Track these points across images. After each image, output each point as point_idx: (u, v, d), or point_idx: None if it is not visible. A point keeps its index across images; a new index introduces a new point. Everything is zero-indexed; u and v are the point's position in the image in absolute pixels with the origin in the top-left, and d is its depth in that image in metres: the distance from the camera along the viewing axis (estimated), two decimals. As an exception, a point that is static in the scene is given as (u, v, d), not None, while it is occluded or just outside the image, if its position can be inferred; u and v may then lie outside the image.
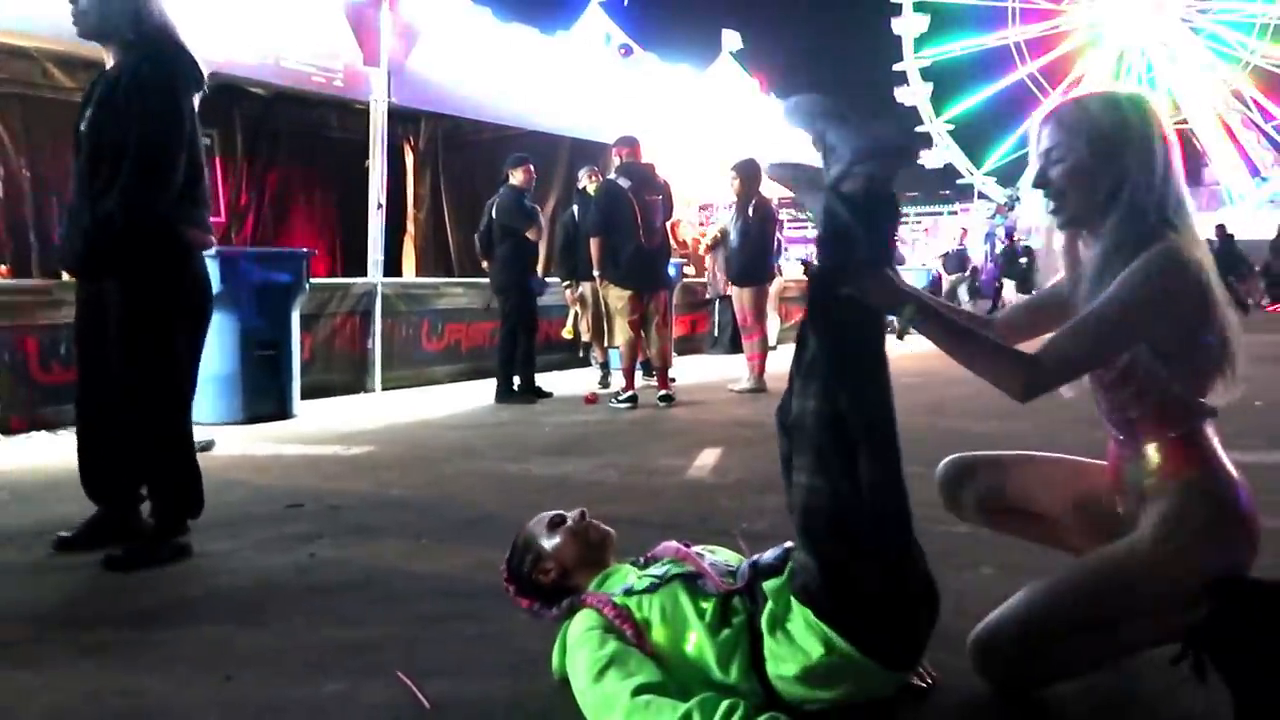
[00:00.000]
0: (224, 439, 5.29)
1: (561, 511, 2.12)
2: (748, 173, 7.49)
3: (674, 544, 2.06)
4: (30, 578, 2.82)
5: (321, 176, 11.54)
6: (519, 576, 2.08)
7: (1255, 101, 48.58)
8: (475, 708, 1.88)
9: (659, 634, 1.84)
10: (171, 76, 2.98)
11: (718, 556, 2.03)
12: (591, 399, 7.06)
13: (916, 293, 1.85)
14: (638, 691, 1.69)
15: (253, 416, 6.13)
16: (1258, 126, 49.22)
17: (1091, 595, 1.77)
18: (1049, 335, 1.79)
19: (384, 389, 7.92)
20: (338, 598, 2.59)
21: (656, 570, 1.96)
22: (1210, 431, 1.83)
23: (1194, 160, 53.05)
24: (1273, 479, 3.90)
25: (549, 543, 2.07)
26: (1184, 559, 1.73)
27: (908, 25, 46.80)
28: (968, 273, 18.12)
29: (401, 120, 10.72)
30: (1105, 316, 1.72)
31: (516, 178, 7.05)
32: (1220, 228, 19.67)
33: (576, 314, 8.35)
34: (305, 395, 6.62)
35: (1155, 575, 1.73)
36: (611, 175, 7.00)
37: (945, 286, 17.46)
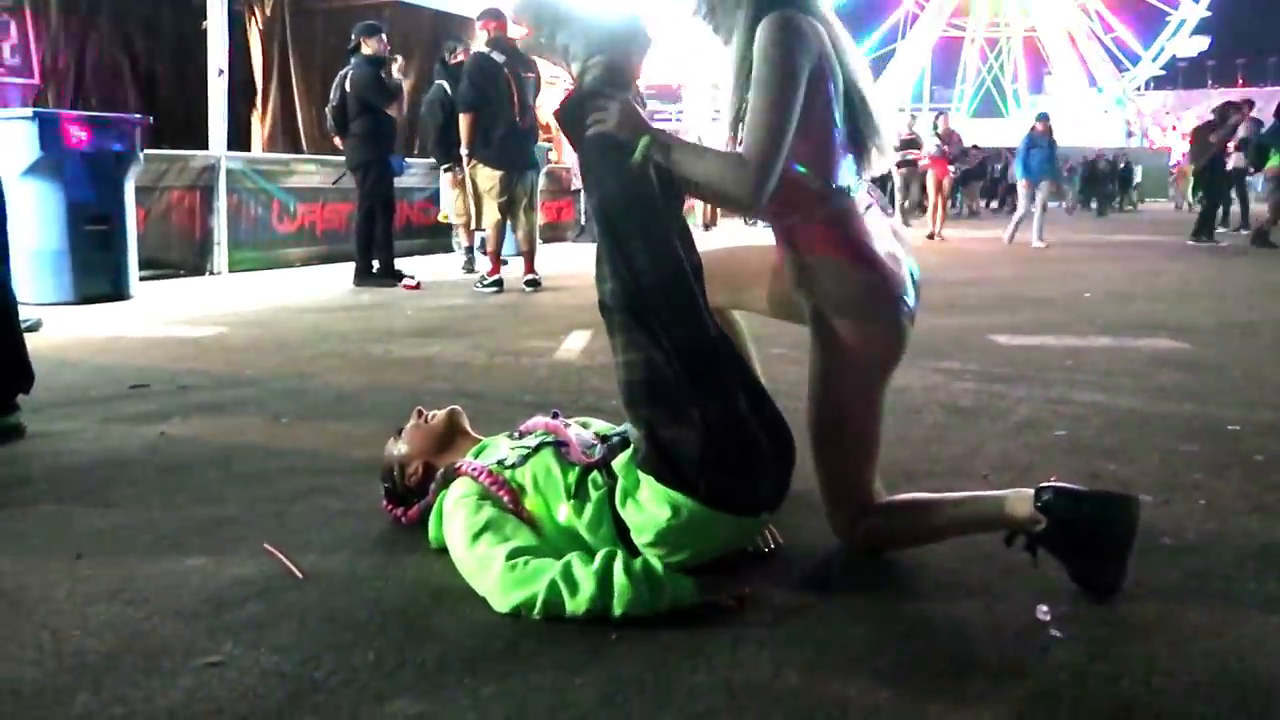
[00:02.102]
0: (54, 320, 4.92)
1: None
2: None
3: (545, 418, 2.07)
4: None
5: (151, 41, 10.57)
6: (397, 495, 2.10)
7: (1099, 14, 50.78)
8: (347, 577, 1.84)
9: (532, 502, 1.85)
10: None
11: (587, 431, 2.03)
12: (417, 285, 6.82)
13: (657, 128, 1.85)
14: (513, 554, 1.69)
15: (85, 297, 5.72)
16: (1099, 38, 51.61)
17: (833, 420, 1.89)
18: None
19: (231, 271, 7.51)
20: (194, 476, 2.47)
21: (529, 441, 1.96)
22: (858, 211, 1.85)
23: (1038, 67, 55.41)
24: (1098, 359, 4.23)
25: (400, 449, 2.11)
26: (854, 339, 1.83)
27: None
28: None
29: (241, -20, 9.89)
30: (762, 100, 1.72)
31: (370, 47, 6.64)
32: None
33: (457, 197, 7.99)
34: (140, 275, 6.19)
35: (851, 371, 1.85)
36: (483, 49, 6.66)
37: None
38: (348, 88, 6.61)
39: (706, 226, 13.73)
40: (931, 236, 12.47)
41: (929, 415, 3.15)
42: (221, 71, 7.46)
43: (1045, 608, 1.70)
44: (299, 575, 1.84)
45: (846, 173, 1.84)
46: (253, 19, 10.62)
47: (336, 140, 6.99)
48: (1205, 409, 3.26)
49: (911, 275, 1.90)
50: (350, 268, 7.11)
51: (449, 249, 9.05)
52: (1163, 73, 53.10)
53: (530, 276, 6.71)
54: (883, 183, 16.92)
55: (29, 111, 5.69)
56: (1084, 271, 8.47)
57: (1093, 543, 1.74)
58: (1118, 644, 1.61)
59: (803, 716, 1.38)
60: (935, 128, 13.56)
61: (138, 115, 6.30)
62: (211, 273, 7.46)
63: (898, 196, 15.49)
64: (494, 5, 6.78)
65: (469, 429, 2.15)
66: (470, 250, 7.92)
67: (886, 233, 1.90)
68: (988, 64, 55.54)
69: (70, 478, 2.45)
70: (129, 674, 1.47)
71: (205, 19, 7.60)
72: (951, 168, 13.37)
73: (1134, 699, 1.44)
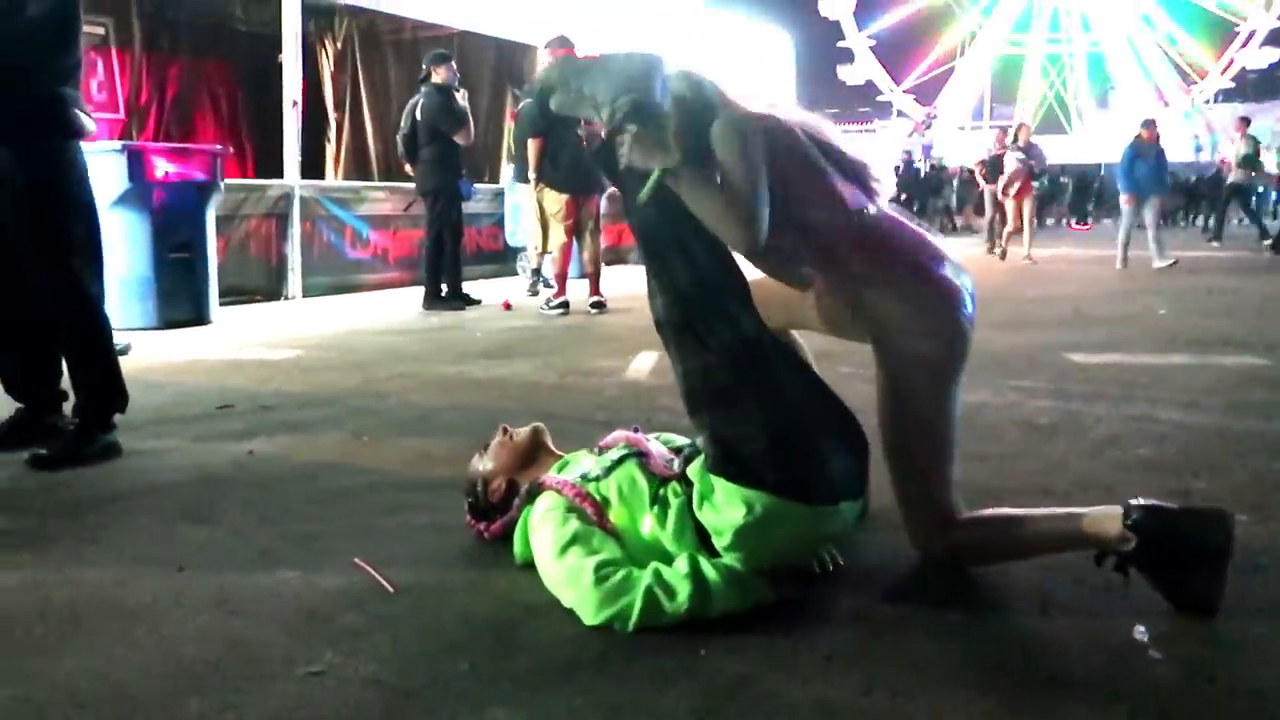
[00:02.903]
0: (140, 344, 5.09)
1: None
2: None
3: (625, 432, 2.10)
4: (-51, 477, 2.70)
5: (228, 73, 10.96)
6: (480, 510, 2.15)
7: (1164, 26, 49.74)
8: (437, 591, 1.88)
9: (617, 514, 1.88)
10: None
11: (666, 448, 2.06)
12: (508, 305, 7.00)
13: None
14: (601, 566, 1.72)
15: (168, 322, 5.90)
16: (1164, 50, 50.52)
17: (907, 432, 1.90)
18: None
19: (305, 296, 7.71)
20: (283, 492, 2.54)
21: (612, 455, 1.99)
22: (889, 227, 1.94)
23: (1102, 84, 54.39)
24: (1178, 377, 4.13)
25: (485, 465, 2.17)
26: (919, 353, 1.87)
27: (833, -64, 46.24)
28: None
29: (315, 15, 10.19)
30: (732, 162, 1.81)
31: (440, 76, 6.80)
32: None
33: None
34: (219, 301, 6.39)
35: (919, 384, 1.88)
36: None
37: None
38: (418, 115, 6.77)
39: None
40: (1003, 256, 11.83)
41: (1007, 433, 3.11)
42: (296, 103, 7.69)
43: (1142, 628, 1.66)
44: (390, 589, 1.88)
45: (859, 199, 1.92)
46: (324, 49, 10.94)
47: (408, 167, 7.15)
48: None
49: (966, 287, 1.93)
50: (419, 292, 7.25)
51: (515, 273, 9.18)
52: (1232, 85, 51.68)
53: (596, 299, 6.77)
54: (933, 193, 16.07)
55: (118, 144, 5.93)
56: (1155, 287, 8.27)
57: (1187, 561, 1.71)
58: (1220, 665, 1.57)
59: (898, 732, 1.37)
60: (1015, 139, 12.30)
61: (219, 147, 6.52)
62: (286, 298, 7.66)
63: (987, 212, 14.23)
64: (562, 33, 6.90)
65: (551, 446, 2.19)
66: (537, 273, 8.00)
67: (929, 246, 1.96)
68: (1049, 80, 54.69)
69: (167, 493, 2.54)
70: (235, 681, 1.52)
71: (281, 52, 7.86)
72: (1035, 183, 12.04)
73: (1241, 720, 1.41)
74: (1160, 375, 4.14)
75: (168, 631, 1.70)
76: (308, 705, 1.44)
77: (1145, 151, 10.47)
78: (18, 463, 2.77)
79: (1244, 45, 48.24)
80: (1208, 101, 52.08)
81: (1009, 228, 12.03)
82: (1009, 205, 11.93)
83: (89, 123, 2.97)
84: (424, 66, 6.91)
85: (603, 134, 1.99)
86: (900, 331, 1.89)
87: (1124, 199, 10.58)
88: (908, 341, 1.88)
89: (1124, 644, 1.63)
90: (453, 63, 6.94)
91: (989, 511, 1.97)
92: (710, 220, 1.83)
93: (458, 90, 6.91)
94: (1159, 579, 1.73)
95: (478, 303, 7.16)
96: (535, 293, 7.82)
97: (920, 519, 1.93)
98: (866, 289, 1.91)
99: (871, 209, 1.94)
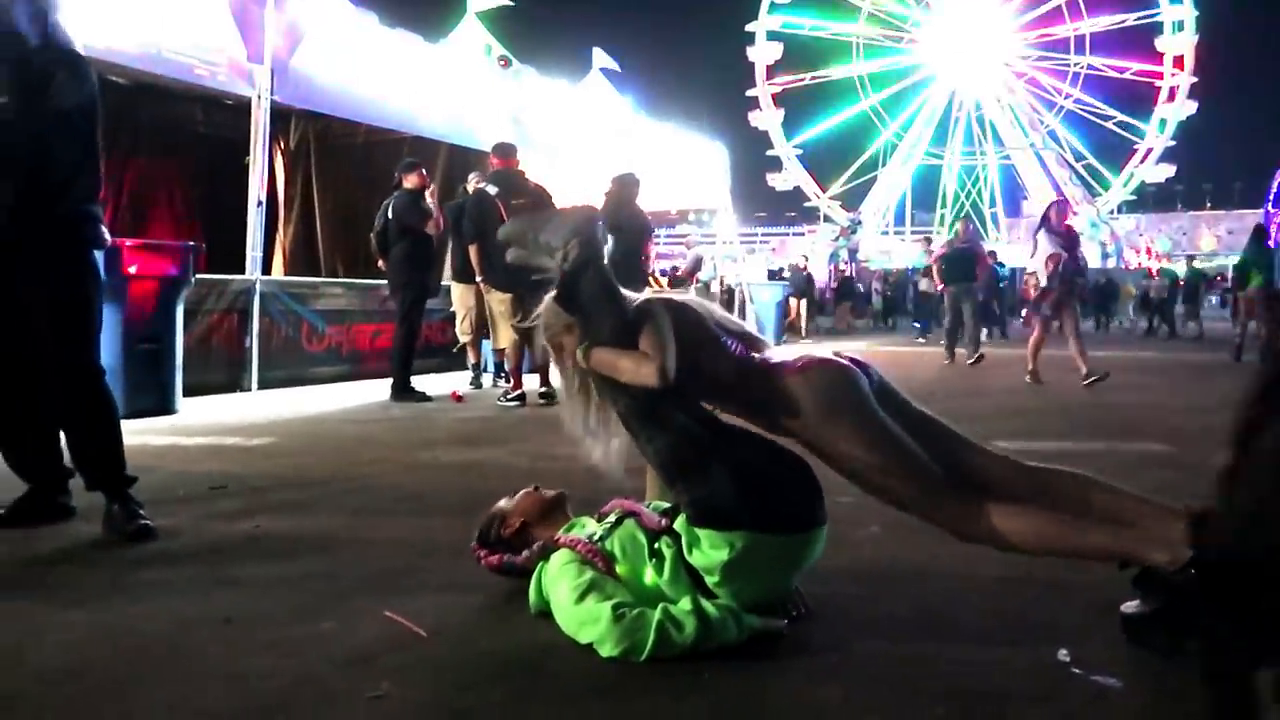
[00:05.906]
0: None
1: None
2: (624, 183, 7.87)
3: (619, 499, 2.43)
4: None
5: (183, 173, 11.23)
6: (486, 540, 2.46)
7: (1068, 142, 53.28)
8: (465, 636, 2.14)
9: (622, 567, 2.19)
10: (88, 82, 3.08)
11: (654, 512, 2.39)
12: (457, 397, 7.29)
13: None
14: (618, 607, 2.02)
15: (134, 412, 6.00)
16: (1070, 165, 53.98)
17: (874, 467, 2.19)
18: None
19: (260, 388, 7.86)
20: (300, 560, 2.78)
21: (611, 517, 2.32)
22: (768, 358, 2.36)
23: (1016, 192, 57.68)
24: (1090, 461, 4.56)
25: (509, 503, 2.50)
26: (819, 416, 2.22)
27: (761, 53, 48.93)
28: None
29: (272, 119, 10.59)
30: (648, 332, 2.25)
31: (410, 182, 7.22)
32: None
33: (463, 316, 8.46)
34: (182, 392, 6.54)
35: (845, 429, 2.20)
36: (483, 183, 7.30)
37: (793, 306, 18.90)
38: (390, 215, 7.17)
39: None
40: (1034, 377, 8.59)
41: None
42: (260, 204, 8.01)
43: (1065, 651, 2.01)
44: (422, 634, 2.14)
45: (744, 350, 2.35)
46: (278, 149, 11.30)
47: (380, 262, 7.53)
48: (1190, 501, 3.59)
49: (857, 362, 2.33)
50: (377, 384, 7.48)
51: (464, 366, 9.46)
52: (1133, 197, 55.40)
53: (545, 389, 7.08)
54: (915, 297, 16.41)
55: (95, 239, 6.13)
56: (1058, 379, 8.88)
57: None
58: (1126, 678, 1.92)
59: (875, 730, 1.68)
60: (1046, 219, 8.99)
61: (192, 244, 6.75)
62: (244, 389, 7.81)
63: (947, 317, 11.95)
64: (506, 141, 7.43)
65: (568, 511, 2.50)
66: (476, 367, 8.32)
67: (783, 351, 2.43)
68: (965, 189, 57.83)
69: (190, 561, 2.75)
70: (309, 705, 1.77)
71: (246, 155, 8.20)
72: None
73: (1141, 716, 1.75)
74: (1075, 460, 4.54)
75: (231, 670, 1.93)
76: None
77: None
78: (41, 536, 2.97)
79: (1142, 161, 51.95)
80: (1112, 212, 55.53)
81: (1035, 335, 8.86)
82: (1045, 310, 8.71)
83: (107, 236, 3.27)
84: (396, 174, 7.35)
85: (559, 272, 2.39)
86: (798, 416, 2.22)
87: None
88: (807, 417, 2.21)
89: (1051, 664, 1.97)
90: (422, 169, 7.41)
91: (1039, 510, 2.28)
92: (622, 375, 2.23)
93: (429, 189, 7.38)
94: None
95: (427, 397, 7.31)
96: (478, 385, 8.13)
97: (934, 513, 2.18)
98: (768, 408, 2.27)
99: (757, 357, 2.34)
